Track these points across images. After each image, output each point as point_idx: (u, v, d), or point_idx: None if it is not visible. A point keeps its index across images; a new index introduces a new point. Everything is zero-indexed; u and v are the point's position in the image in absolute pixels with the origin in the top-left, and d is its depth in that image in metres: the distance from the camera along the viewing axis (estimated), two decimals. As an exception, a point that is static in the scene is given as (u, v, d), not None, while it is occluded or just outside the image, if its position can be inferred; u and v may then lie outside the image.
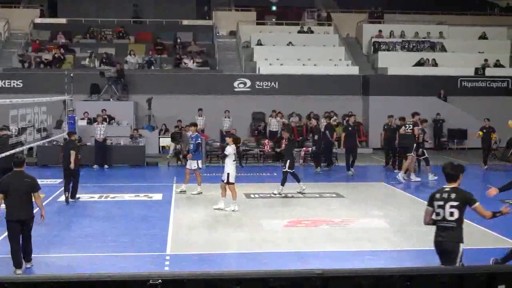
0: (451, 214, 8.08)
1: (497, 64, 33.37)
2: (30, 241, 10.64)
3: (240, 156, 23.82)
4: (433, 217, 8.29)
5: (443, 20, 37.91)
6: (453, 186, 8.22)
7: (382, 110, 26.93)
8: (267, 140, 25.62)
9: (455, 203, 8.07)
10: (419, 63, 33.07)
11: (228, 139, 16.37)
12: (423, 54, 33.78)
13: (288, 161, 17.70)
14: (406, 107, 28.23)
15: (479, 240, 12.77)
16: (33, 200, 10.57)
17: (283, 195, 17.56)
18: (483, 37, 36.04)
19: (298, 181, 17.89)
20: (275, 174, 22.19)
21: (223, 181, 15.75)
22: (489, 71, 32.49)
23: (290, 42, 34.50)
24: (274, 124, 27.41)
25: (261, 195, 17.83)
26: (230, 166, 15.75)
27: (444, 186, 8.30)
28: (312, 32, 35.92)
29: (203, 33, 36.24)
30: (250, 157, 25.32)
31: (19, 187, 10.40)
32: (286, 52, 33.76)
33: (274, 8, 40.15)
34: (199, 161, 18.22)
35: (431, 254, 11.70)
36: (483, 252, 11.89)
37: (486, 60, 33.33)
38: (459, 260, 8.11)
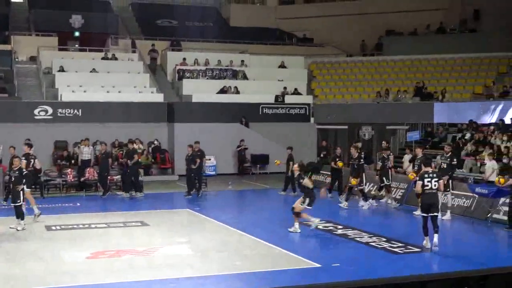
0: None
1: (296, 92, 35.11)
2: None
3: (42, 187, 22.86)
4: None
5: (245, 49, 39.21)
6: None
7: (187, 137, 27.11)
8: (70, 169, 24.71)
9: None
10: (222, 91, 33.87)
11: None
12: (226, 82, 34.69)
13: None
14: (210, 133, 28.93)
15: (280, 262, 13.25)
16: None
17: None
18: (282, 65, 37.73)
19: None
20: (78, 204, 21.57)
21: None
22: (288, 99, 34.03)
23: (93, 69, 33.87)
24: (86, 153, 25.82)
25: (63, 226, 17.18)
26: None
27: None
28: (116, 59, 35.53)
29: (1, 58, 34.42)
30: (52, 187, 24.20)
31: None
32: (89, 79, 33.09)
33: (77, 34, 39.19)
34: None
35: (234, 278, 12.00)
36: (278, 273, 12.34)
37: (285, 88, 34.90)
38: None
